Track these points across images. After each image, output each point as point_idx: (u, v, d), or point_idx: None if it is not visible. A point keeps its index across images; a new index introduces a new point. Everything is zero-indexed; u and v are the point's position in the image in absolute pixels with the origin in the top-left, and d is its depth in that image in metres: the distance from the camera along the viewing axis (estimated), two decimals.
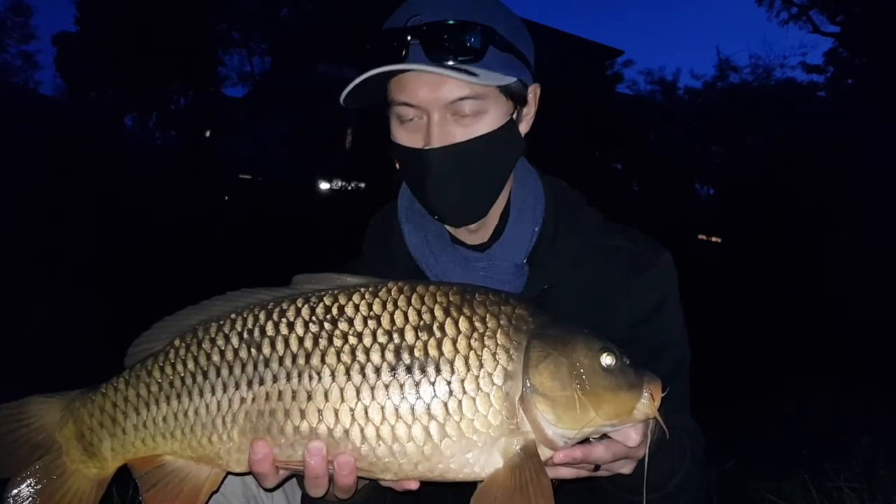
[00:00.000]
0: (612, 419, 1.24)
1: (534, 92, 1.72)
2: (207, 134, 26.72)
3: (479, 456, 1.25)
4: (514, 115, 1.66)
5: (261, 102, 25.91)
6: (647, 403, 1.24)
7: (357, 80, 1.60)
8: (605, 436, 1.29)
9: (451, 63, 1.55)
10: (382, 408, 1.25)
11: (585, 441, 1.28)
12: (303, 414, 1.28)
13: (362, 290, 1.34)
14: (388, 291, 1.33)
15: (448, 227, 1.75)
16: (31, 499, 1.42)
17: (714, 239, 25.77)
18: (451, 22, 1.56)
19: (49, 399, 1.46)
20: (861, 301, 15.07)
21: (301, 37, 24.32)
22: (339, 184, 23.63)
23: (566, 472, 1.31)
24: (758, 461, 4.69)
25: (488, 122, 1.61)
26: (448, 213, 1.68)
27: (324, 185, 24.00)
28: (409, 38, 1.56)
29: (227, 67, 27.90)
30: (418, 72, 1.56)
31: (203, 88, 26.19)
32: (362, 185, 22.12)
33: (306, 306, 1.33)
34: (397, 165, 1.73)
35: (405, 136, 1.64)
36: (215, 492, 1.42)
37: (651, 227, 1.82)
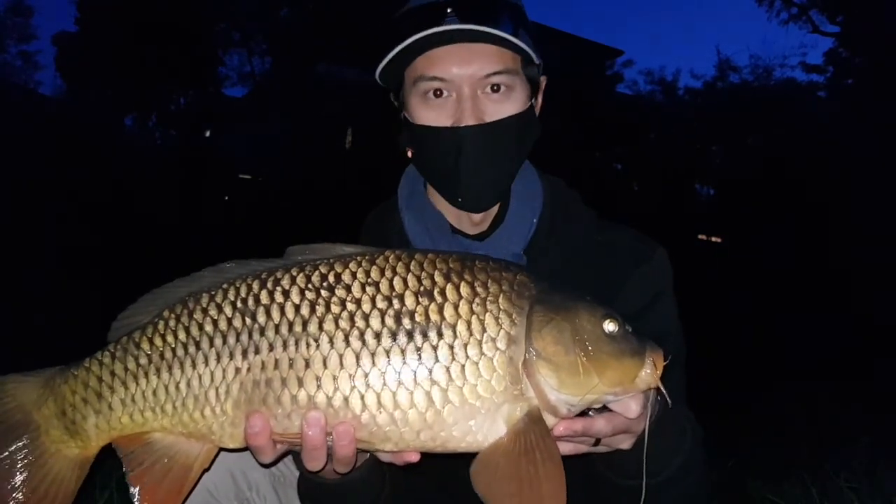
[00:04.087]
0: (615, 386, 1.22)
1: (543, 83, 1.76)
2: (207, 134, 26.70)
3: (482, 423, 1.22)
4: (533, 102, 1.70)
5: (261, 102, 25.89)
6: (649, 372, 1.22)
7: (404, 44, 1.58)
8: (604, 410, 1.28)
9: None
10: (383, 374, 1.22)
11: (585, 414, 1.27)
12: (300, 382, 1.24)
13: (359, 258, 1.31)
14: (386, 259, 1.30)
15: (448, 218, 1.76)
16: (8, 483, 1.34)
17: (714, 239, 25.76)
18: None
19: (24, 377, 1.40)
20: (861, 301, 15.07)
21: (301, 37, 24.32)
22: (339, 184, 23.61)
23: (566, 448, 1.30)
24: (758, 461, 4.69)
25: (516, 101, 1.63)
26: (472, 192, 1.67)
27: (324, 185, 23.98)
28: (448, 9, 1.57)
29: (227, 67, 27.91)
30: (452, 47, 1.58)
31: (203, 88, 26.18)
32: (362, 185, 22.08)
33: (301, 275, 1.30)
34: (409, 153, 1.75)
35: (430, 116, 1.63)
36: (206, 470, 1.37)
37: (651, 227, 1.83)
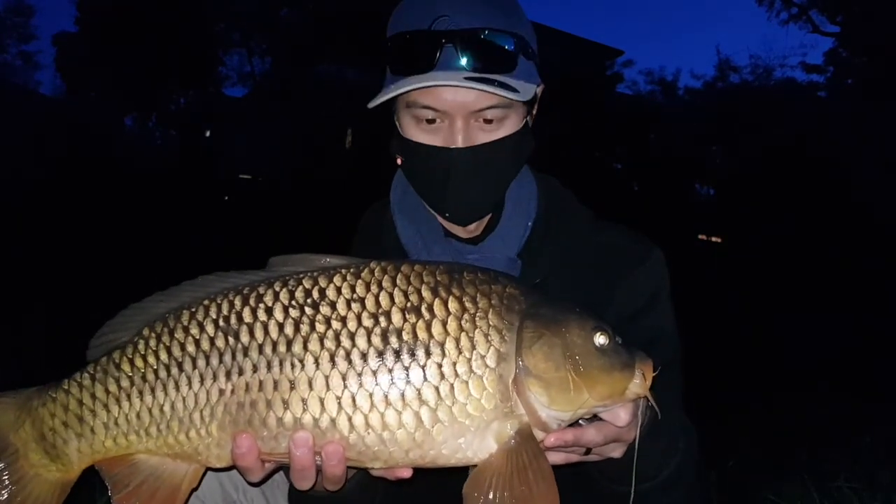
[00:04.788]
0: (605, 400, 1.21)
1: (540, 91, 1.73)
2: (207, 134, 26.72)
3: (471, 441, 1.20)
4: (528, 118, 1.68)
5: (261, 102, 25.89)
6: (639, 383, 1.21)
7: (399, 91, 1.57)
8: (594, 417, 1.27)
9: (485, 74, 1.54)
10: (371, 394, 1.20)
11: (575, 423, 1.26)
12: (286, 404, 1.22)
13: (343, 271, 1.28)
14: (371, 272, 1.27)
15: (441, 221, 1.74)
16: None
17: (714, 239, 25.76)
18: (487, 31, 1.55)
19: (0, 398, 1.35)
20: (862, 301, 15.07)
21: (301, 37, 24.32)
22: (339, 184, 23.61)
23: (556, 458, 1.28)
24: (758, 461, 4.69)
25: (508, 126, 1.61)
26: (460, 211, 1.66)
27: (324, 185, 23.99)
28: (443, 41, 1.54)
29: (227, 67, 27.94)
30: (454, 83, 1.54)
31: (203, 88, 26.20)
32: (362, 185, 22.11)
33: (285, 290, 1.26)
34: (399, 161, 1.72)
35: (422, 136, 1.61)
36: (195, 489, 1.35)
37: (651, 227, 1.82)
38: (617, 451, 1.33)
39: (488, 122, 1.59)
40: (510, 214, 1.73)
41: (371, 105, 1.65)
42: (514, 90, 1.54)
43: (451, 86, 1.54)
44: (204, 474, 1.35)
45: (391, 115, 1.73)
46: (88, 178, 17.80)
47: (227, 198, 22.07)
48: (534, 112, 1.72)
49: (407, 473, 1.27)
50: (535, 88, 1.63)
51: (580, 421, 1.27)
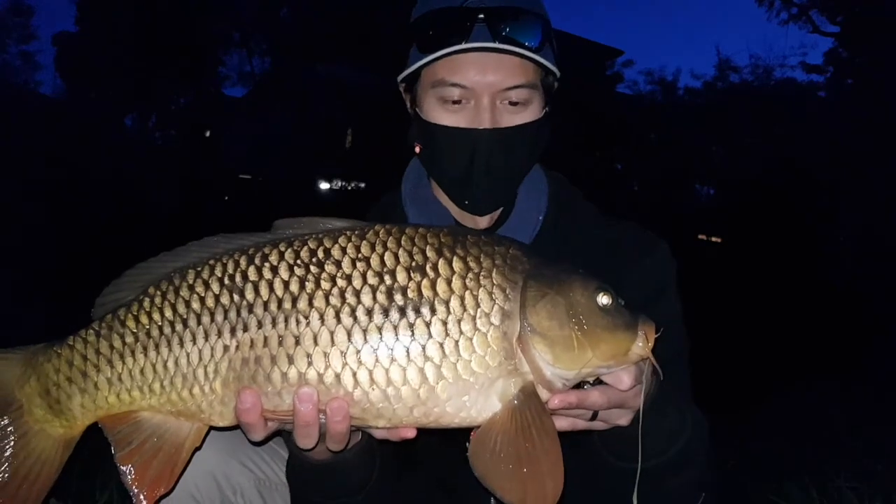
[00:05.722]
0: (609, 360, 1.22)
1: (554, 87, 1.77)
2: (207, 134, 26.72)
3: (476, 398, 1.21)
4: (546, 109, 1.70)
5: (261, 102, 25.90)
6: (641, 345, 1.22)
7: (436, 55, 1.59)
8: (599, 384, 1.27)
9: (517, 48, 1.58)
10: (375, 350, 1.21)
11: (580, 387, 1.26)
12: (291, 360, 1.22)
13: (348, 232, 1.29)
14: (376, 234, 1.28)
15: (453, 213, 1.76)
16: None
17: (714, 239, 25.75)
18: (519, 11, 1.60)
19: (5, 354, 1.36)
20: (861, 300, 15.07)
21: (301, 37, 24.32)
22: (339, 184, 23.63)
23: (563, 423, 1.28)
24: (758, 461, 4.69)
25: (532, 113, 1.64)
26: (481, 196, 1.67)
27: (324, 185, 24.00)
28: (480, 16, 1.57)
29: (227, 67, 27.95)
30: (476, 55, 1.58)
31: (203, 88, 26.21)
32: (362, 185, 22.14)
33: (290, 250, 1.28)
34: (417, 149, 1.74)
35: (447, 118, 1.63)
36: (198, 448, 1.35)
37: (651, 227, 1.82)
38: (623, 419, 1.32)
39: (513, 104, 1.61)
40: (521, 208, 1.76)
41: (401, 77, 1.68)
42: (544, 58, 1.59)
43: (490, 49, 1.57)
44: (206, 434, 1.35)
45: (406, 107, 1.75)
46: (88, 178, 17.78)
47: (227, 198, 22.06)
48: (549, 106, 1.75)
49: (411, 433, 1.27)
50: (558, 73, 1.67)
51: (584, 386, 1.27)
